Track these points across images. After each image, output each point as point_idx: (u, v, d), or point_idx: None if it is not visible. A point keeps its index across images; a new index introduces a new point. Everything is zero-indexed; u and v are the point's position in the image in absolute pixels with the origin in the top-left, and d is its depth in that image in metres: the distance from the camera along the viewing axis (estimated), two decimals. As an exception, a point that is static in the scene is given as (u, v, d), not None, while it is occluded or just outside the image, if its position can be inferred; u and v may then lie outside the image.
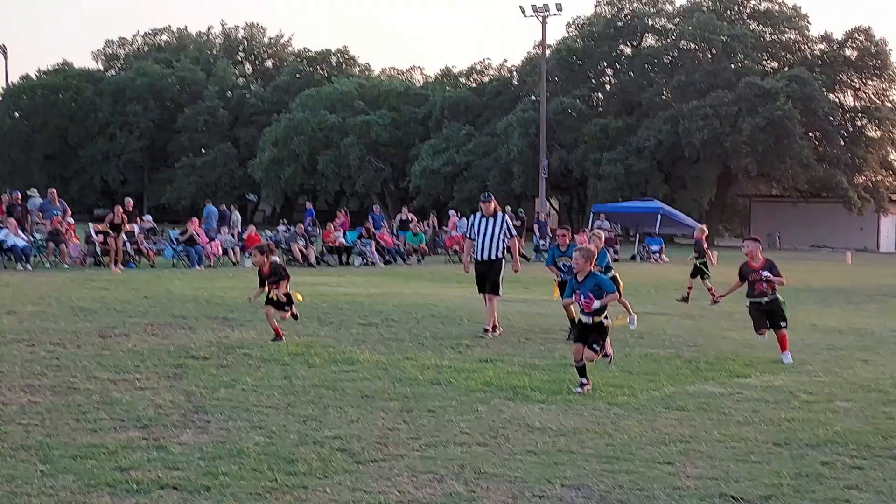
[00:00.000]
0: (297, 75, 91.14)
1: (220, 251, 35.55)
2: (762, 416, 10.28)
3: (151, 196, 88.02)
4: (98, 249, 33.19)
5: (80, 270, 30.37)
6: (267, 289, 15.30)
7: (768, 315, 14.48)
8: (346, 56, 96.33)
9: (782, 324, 14.47)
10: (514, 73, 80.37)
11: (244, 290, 23.82)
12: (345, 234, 39.73)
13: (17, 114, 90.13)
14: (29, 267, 30.48)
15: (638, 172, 66.39)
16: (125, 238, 32.71)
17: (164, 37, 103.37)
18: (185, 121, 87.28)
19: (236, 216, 44.41)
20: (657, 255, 45.79)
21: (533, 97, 72.85)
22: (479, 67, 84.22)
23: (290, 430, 9.19)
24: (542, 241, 45.78)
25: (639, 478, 7.82)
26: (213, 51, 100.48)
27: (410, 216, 45.41)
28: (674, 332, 17.53)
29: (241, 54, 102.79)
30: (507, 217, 17.54)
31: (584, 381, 11.41)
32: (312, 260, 36.29)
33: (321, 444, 8.68)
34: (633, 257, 46.38)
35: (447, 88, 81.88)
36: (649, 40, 75.82)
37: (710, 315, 20.76)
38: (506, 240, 17.18)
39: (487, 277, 17.06)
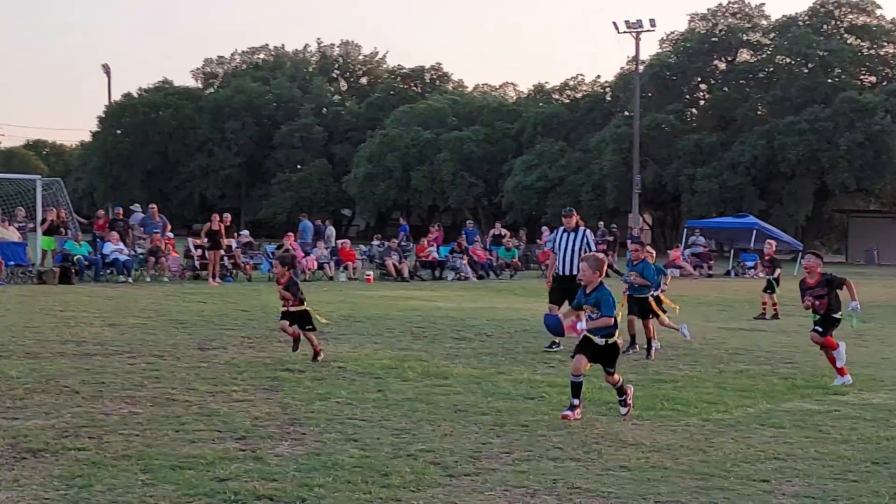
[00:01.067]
0: (392, 92, 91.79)
1: (316, 265, 35.91)
2: (860, 435, 10.12)
3: (248, 211, 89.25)
4: (196, 263, 33.76)
5: (179, 284, 30.92)
6: (282, 302, 15.02)
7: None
8: (440, 73, 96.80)
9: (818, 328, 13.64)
10: (608, 88, 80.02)
11: (339, 304, 24.09)
12: (438, 248, 39.88)
13: (119, 131, 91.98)
14: (130, 280, 31.12)
15: (733, 188, 65.62)
16: (223, 252, 33.21)
17: (262, 55, 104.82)
18: (281, 137, 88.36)
19: (331, 231, 44.78)
20: (752, 270, 45.21)
21: (626, 113, 72.48)
22: (571, 83, 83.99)
23: (383, 442, 9.28)
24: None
25: (734, 495, 7.76)
26: (309, 68, 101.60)
27: (503, 231, 45.39)
28: (769, 349, 17.31)
29: (337, 72, 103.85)
30: (587, 232, 17.41)
31: (576, 402, 10.51)
32: (406, 274, 36.50)
33: (414, 458, 8.74)
34: (728, 273, 45.89)
35: (540, 104, 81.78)
36: (744, 55, 74.97)
37: (806, 331, 20.45)
38: None
39: (567, 294, 16.56)
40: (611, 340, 10.52)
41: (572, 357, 10.67)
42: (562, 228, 17.42)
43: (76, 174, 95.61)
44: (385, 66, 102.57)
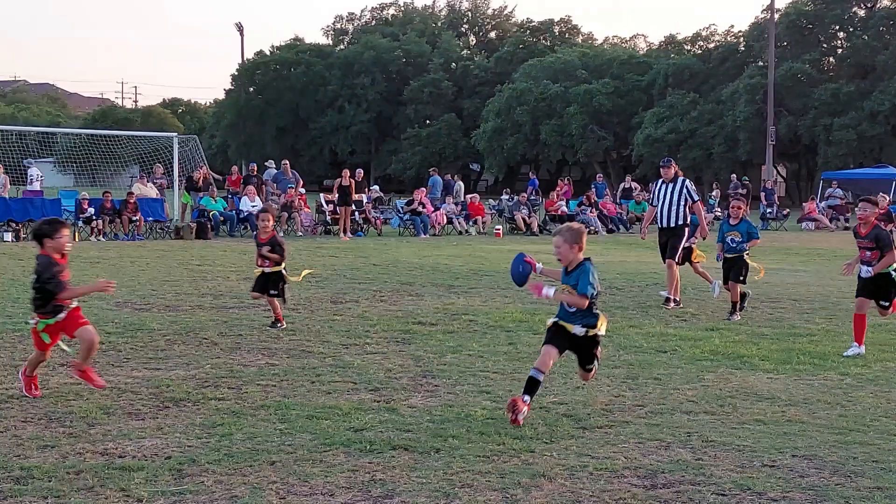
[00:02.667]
0: (520, 46, 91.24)
1: (445, 220, 36.07)
2: None
3: (378, 166, 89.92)
4: (328, 219, 34.19)
5: (311, 239, 31.37)
6: (257, 258, 13.56)
7: (872, 289, 11.93)
8: (569, 25, 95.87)
9: (883, 302, 12.00)
10: (741, 38, 78.35)
11: (469, 258, 24.18)
12: (567, 202, 39.72)
13: (251, 88, 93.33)
14: (264, 235, 31.66)
15: (872, 138, 63.84)
16: (354, 208, 33.55)
17: (391, 11, 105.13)
18: (410, 93, 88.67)
19: (460, 186, 44.87)
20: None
21: (760, 63, 70.92)
22: (704, 34, 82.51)
23: (516, 395, 9.31)
24: (769, 210, 44.63)
25: (874, 450, 7.60)
26: (437, 23, 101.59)
27: (633, 185, 44.95)
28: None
29: (465, 26, 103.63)
30: (687, 182, 16.83)
31: (527, 398, 8.38)
32: (535, 228, 36.46)
33: (547, 410, 8.77)
34: (867, 226, 44.72)
35: (671, 56, 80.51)
36: (884, 1, 72.62)
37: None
38: (686, 206, 16.53)
39: (669, 244, 16.54)
40: (591, 332, 8.57)
41: (545, 343, 8.73)
42: (661, 180, 17.02)
43: (210, 131, 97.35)
44: (514, 19, 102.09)
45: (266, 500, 6.31)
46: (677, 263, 16.35)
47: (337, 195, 33.12)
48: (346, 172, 33.82)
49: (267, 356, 11.04)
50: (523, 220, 36.49)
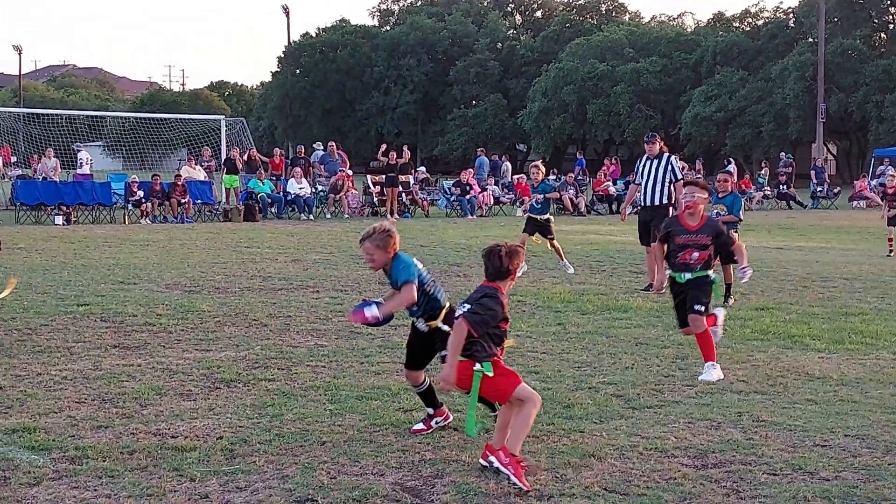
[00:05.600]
0: (567, 25, 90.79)
1: (492, 200, 36.05)
2: None
3: (424, 147, 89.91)
4: (375, 200, 34.28)
5: (358, 220, 31.47)
6: None
7: None
8: (616, 4, 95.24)
9: None
10: (791, 14, 77.51)
11: (516, 238, 24.12)
12: (615, 182, 39.54)
13: (297, 71, 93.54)
14: (311, 217, 31.82)
15: (924, 114, 63.01)
16: (401, 188, 33.60)
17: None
18: (456, 73, 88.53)
19: (507, 166, 44.83)
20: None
21: (810, 39, 70.15)
22: (753, 10, 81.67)
23: (565, 375, 9.31)
24: (819, 188, 44.23)
25: (927, 430, 7.54)
26: (483, 3, 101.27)
27: (681, 164, 44.62)
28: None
29: (511, 6, 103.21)
30: (672, 158, 16.13)
31: (430, 410, 7.62)
32: (583, 209, 36.35)
33: (596, 390, 8.75)
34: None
35: (719, 33, 79.81)
36: (938, -25, 71.60)
37: None
38: (671, 184, 15.79)
39: (652, 225, 15.51)
40: (434, 323, 7.49)
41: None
42: (645, 156, 16.25)
43: (257, 114, 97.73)
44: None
45: (317, 479, 6.35)
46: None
47: (385, 166, 33.28)
48: (393, 153, 33.85)
49: (316, 337, 11.10)
50: (570, 200, 36.37)
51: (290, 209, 32.75)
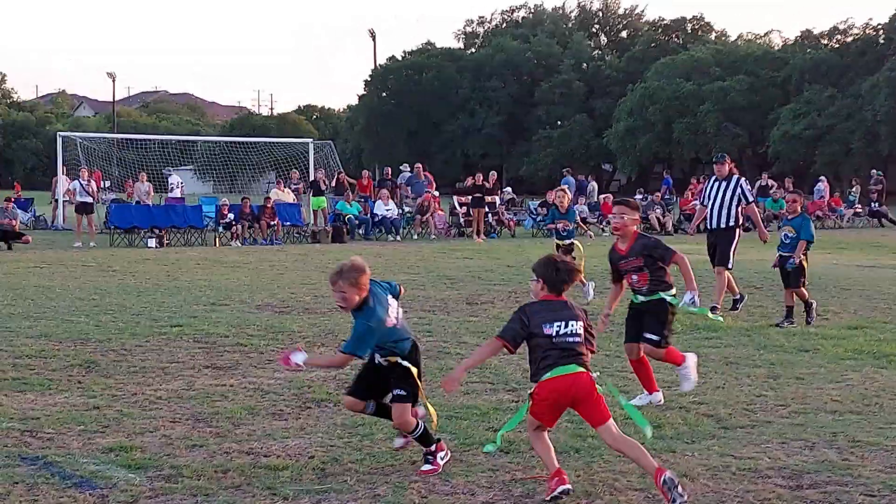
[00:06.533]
0: (652, 44, 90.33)
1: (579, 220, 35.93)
2: None
3: (510, 168, 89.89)
4: (461, 221, 34.37)
5: (445, 241, 31.56)
6: None
7: None
8: (702, 23, 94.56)
9: None
10: (881, 31, 76.30)
11: (603, 258, 23.97)
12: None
13: (384, 93, 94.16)
14: (398, 238, 31.99)
15: None
16: (487, 209, 33.66)
17: (521, 13, 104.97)
18: (541, 94, 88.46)
19: (593, 186, 44.67)
20: None
21: (901, 55, 68.97)
22: (841, 27, 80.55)
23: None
24: (913, 206, 43.42)
25: None
26: (568, 24, 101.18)
27: (770, 182, 44.15)
28: None
29: (596, 26, 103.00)
30: (741, 181, 15.74)
31: (404, 436, 7.32)
32: (670, 228, 36.08)
33: (687, 410, 8.69)
34: None
35: (807, 50, 78.83)
36: None
37: None
38: (739, 207, 15.42)
39: (718, 248, 15.39)
40: (394, 359, 7.14)
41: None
42: (713, 177, 15.92)
43: (344, 136, 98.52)
44: (645, 18, 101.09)
45: (409, 499, 6.39)
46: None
47: (472, 188, 33.33)
48: (480, 175, 33.94)
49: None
50: (658, 219, 36.13)
51: (378, 230, 32.97)
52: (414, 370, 7.10)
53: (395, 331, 7.14)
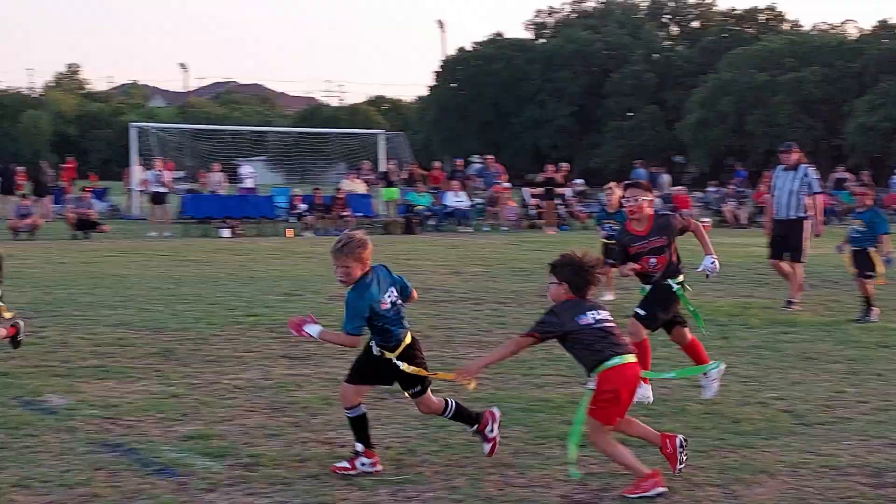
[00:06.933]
0: (724, 35, 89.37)
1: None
2: None
3: (580, 160, 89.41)
4: (532, 212, 34.29)
5: (516, 233, 31.51)
6: None
7: None
8: (775, 13, 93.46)
9: None
10: (961, 19, 74.93)
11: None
12: (777, 194, 38.71)
13: (453, 84, 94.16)
14: (470, 229, 32.00)
15: None
16: (558, 201, 33.54)
17: (592, 3, 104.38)
18: (612, 85, 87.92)
19: (664, 178, 44.30)
20: None
21: (982, 44, 67.66)
22: (920, 16, 79.24)
23: (732, 390, 9.16)
24: None
25: None
26: (639, 14, 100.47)
27: (845, 174, 43.52)
28: None
29: (668, 16, 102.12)
30: (809, 170, 15.29)
31: (358, 447, 6.89)
32: (744, 221, 35.71)
33: (765, 405, 8.59)
34: None
35: (883, 41, 77.58)
36: None
37: None
38: (806, 197, 14.97)
39: (788, 241, 14.96)
40: (388, 354, 6.93)
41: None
42: (781, 167, 15.48)
43: (414, 127, 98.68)
44: (717, 8, 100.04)
45: (485, 491, 6.39)
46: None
47: (543, 181, 33.25)
48: (551, 167, 33.85)
49: (478, 349, 11.15)
50: (731, 212, 35.78)
51: (449, 221, 32.99)
52: (406, 367, 6.86)
53: (388, 314, 6.96)
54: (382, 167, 37.86)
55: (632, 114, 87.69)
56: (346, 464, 6.82)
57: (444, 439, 7.51)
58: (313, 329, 6.85)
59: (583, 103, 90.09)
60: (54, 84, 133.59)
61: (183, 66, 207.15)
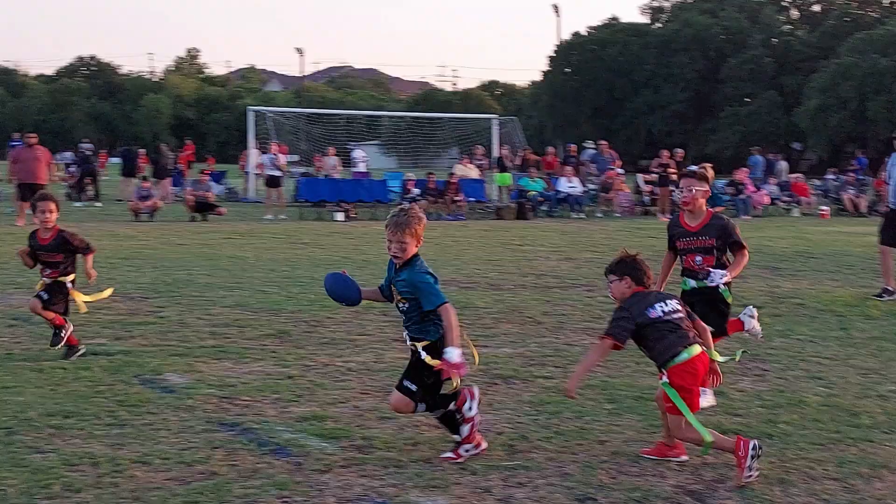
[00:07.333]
0: (846, 19, 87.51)
1: (768, 200, 35.13)
2: None
3: (695, 146, 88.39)
4: (646, 199, 33.98)
5: (629, 219, 31.26)
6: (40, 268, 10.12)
7: None
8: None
9: None
10: None
11: (793, 239, 23.45)
12: (898, 182, 37.78)
13: (567, 69, 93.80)
14: (582, 215, 31.85)
15: None
16: (672, 188, 33.16)
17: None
18: (729, 70, 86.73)
19: (781, 165, 43.53)
20: None
21: None
22: None
23: (850, 382, 8.99)
24: None
25: None
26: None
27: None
28: None
29: (787, 0, 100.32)
30: None
31: (457, 437, 6.80)
32: (864, 209, 34.93)
33: (885, 399, 8.42)
34: None
35: None
36: None
37: None
38: None
39: None
40: (418, 345, 6.73)
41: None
42: (895, 154, 14.89)
43: (527, 112, 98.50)
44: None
45: (597, 479, 6.36)
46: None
47: (657, 166, 32.91)
48: (665, 153, 33.51)
49: (591, 336, 11.08)
50: (851, 200, 35.03)
51: (562, 207, 32.86)
52: (434, 363, 6.52)
53: (435, 323, 6.67)
54: (495, 152, 37.85)
55: (749, 99, 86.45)
56: (450, 454, 6.72)
57: (556, 426, 7.50)
58: (454, 353, 6.42)
59: (698, 88, 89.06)
60: (174, 68, 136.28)
61: (299, 50, 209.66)
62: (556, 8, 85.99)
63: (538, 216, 31.92)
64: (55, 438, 7.05)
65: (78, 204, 34.54)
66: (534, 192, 32.71)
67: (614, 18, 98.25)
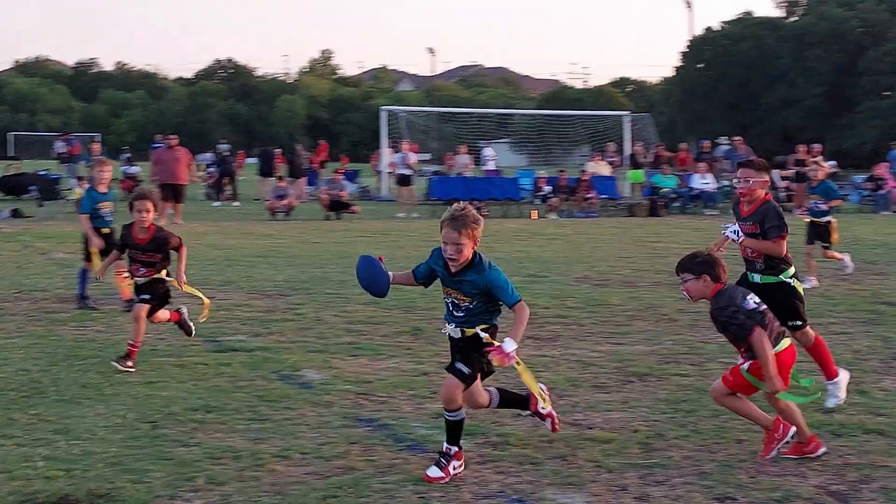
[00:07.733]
0: None
1: (909, 196, 34.22)
2: None
3: (832, 141, 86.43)
4: (782, 195, 33.36)
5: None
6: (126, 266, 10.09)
7: None
8: None
9: None
10: None
11: (886, 235, 22.77)
12: None
13: (699, 65, 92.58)
14: (716, 212, 31.44)
15: None
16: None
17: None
18: (867, 63, 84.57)
19: (924, 160, 42.28)
20: None
21: None
22: None
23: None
24: None
25: None
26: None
27: None
28: None
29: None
30: None
31: (454, 448, 6.42)
32: None
33: None
34: None
35: None
36: None
37: None
38: None
39: None
40: (472, 330, 6.55)
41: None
42: None
43: (658, 109, 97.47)
44: None
45: (736, 478, 6.29)
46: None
47: (793, 164, 32.34)
48: (803, 148, 32.87)
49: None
50: None
51: (695, 204, 32.47)
52: (491, 340, 6.43)
53: (499, 309, 6.65)
54: (627, 149, 37.60)
55: (889, 93, 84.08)
56: (436, 471, 6.30)
57: (693, 424, 7.42)
58: (511, 344, 6.34)
59: (835, 82, 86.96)
60: (308, 69, 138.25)
61: (430, 50, 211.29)
62: (688, 3, 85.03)
63: (671, 213, 31.60)
64: (198, 432, 7.23)
65: (216, 203, 35.33)
66: (666, 189, 32.39)
67: (748, 13, 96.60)
